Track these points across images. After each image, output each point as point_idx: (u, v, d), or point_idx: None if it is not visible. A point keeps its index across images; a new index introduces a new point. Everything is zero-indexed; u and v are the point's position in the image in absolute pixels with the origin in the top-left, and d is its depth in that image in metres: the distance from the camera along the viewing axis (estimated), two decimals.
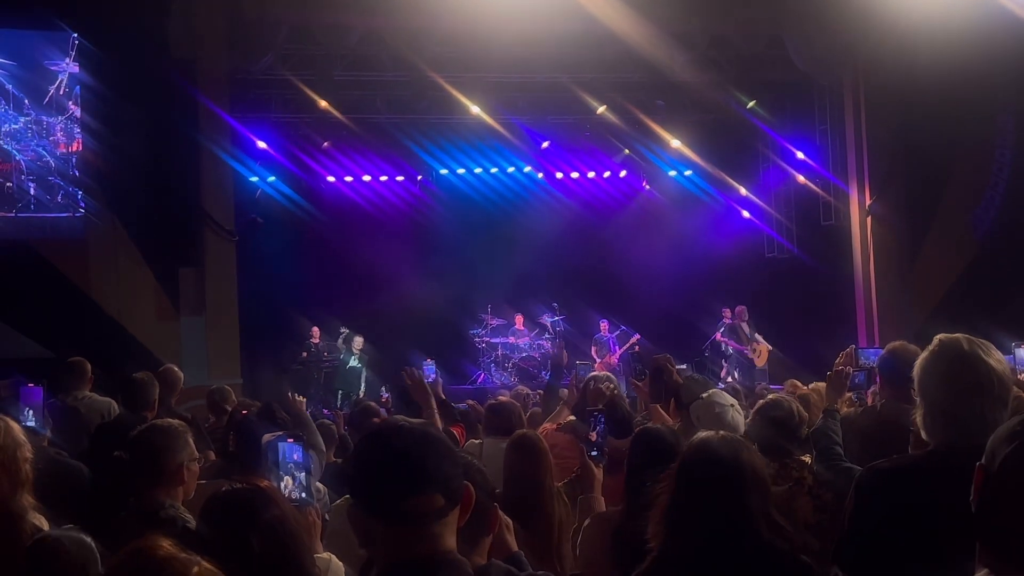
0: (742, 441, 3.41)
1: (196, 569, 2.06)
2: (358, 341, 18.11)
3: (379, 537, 2.14)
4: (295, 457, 3.65)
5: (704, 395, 5.49)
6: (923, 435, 3.09)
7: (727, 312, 18.39)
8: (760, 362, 17.81)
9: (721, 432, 3.42)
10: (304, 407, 6.79)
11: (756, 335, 18.01)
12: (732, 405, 5.38)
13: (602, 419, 4.73)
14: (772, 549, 3.13)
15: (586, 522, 4.21)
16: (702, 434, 3.38)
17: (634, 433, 4.42)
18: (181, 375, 9.03)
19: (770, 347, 17.90)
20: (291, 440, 3.69)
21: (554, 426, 6.60)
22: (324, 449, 6.11)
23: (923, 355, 3.15)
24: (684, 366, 11.26)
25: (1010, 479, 2.19)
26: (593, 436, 4.68)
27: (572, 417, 6.47)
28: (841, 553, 3.11)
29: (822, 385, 6.08)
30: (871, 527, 3.01)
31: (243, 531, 2.97)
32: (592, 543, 4.03)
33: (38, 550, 2.99)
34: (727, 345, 18.25)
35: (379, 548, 2.16)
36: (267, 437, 3.82)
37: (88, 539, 3.11)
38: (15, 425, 3.33)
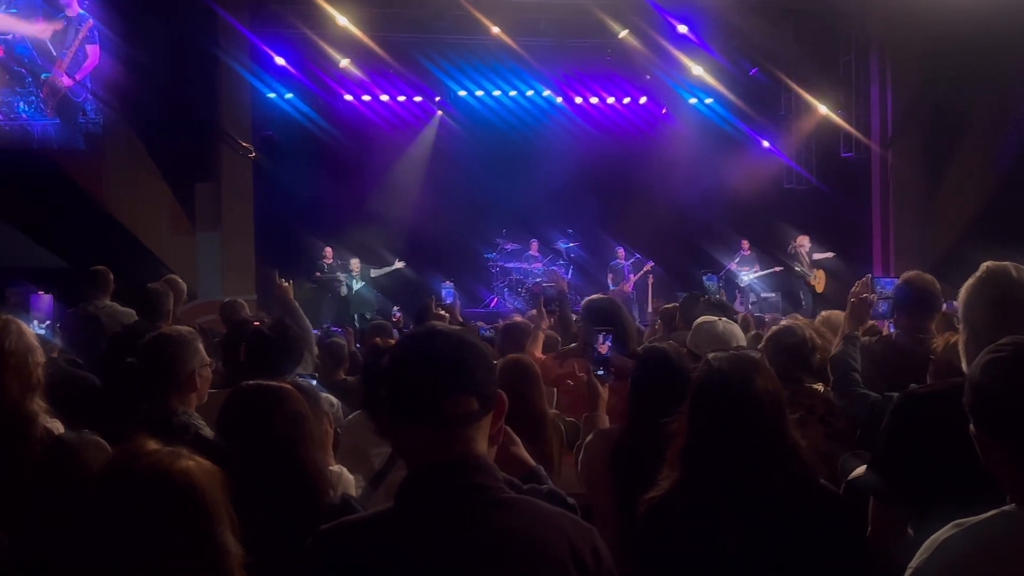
0: (753, 360, 3.24)
1: (183, 462, 2.06)
2: (354, 263, 17.93)
3: (411, 439, 2.15)
4: None
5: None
6: (964, 364, 3.00)
7: (745, 243, 18.29)
8: (820, 288, 17.43)
9: (731, 353, 3.26)
10: (290, 292, 6.84)
11: (813, 263, 17.65)
12: (720, 319, 5.39)
13: (610, 337, 4.66)
14: (791, 475, 3.01)
15: (588, 438, 4.19)
16: (712, 359, 3.19)
17: (639, 352, 4.35)
18: (185, 286, 8.98)
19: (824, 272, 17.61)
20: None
21: (551, 356, 6.21)
22: (313, 343, 6.29)
23: (969, 281, 3.10)
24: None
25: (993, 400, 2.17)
26: (604, 349, 4.60)
27: (572, 344, 6.31)
28: (877, 481, 3.04)
29: (836, 314, 5.94)
30: (907, 453, 2.96)
31: (267, 420, 3.05)
32: (594, 459, 4.01)
33: (56, 449, 3.00)
34: (742, 275, 18.17)
35: (410, 450, 2.16)
36: None
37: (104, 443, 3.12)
38: (27, 329, 3.29)
